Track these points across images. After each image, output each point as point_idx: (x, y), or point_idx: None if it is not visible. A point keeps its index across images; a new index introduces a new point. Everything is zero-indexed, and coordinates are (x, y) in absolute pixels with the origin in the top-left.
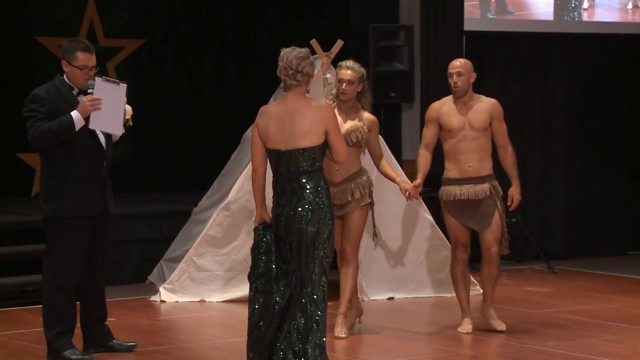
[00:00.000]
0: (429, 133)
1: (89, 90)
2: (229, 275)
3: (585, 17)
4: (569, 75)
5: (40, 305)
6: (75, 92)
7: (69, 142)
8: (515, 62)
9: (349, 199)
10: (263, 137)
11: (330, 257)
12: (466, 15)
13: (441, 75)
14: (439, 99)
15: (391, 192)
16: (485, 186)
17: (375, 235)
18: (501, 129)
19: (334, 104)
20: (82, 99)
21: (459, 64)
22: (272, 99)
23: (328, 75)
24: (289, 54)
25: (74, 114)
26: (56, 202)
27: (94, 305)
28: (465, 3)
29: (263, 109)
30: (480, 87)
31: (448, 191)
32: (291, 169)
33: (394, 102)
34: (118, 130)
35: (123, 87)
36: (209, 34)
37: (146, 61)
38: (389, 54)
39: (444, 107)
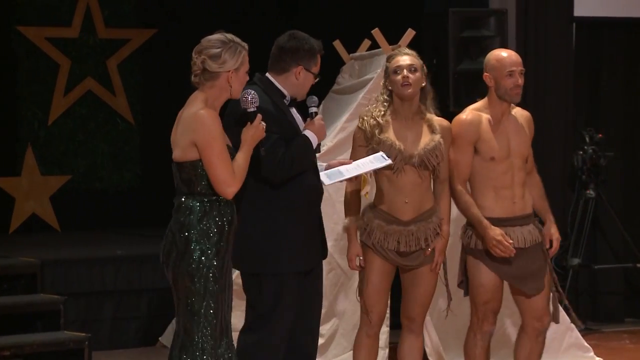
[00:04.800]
0: (465, 160)
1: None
2: None
3: None
4: None
5: None
6: (287, 101)
7: None
8: None
9: (423, 246)
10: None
11: None
12: None
13: (545, 75)
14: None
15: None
16: (531, 228)
17: (450, 297)
18: (531, 150)
19: (381, 111)
20: (318, 119)
21: (518, 60)
22: (321, 106)
23: None
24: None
25: (309, 133)
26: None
27: None
28: None
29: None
30: (596, 88)
31: None
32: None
33: None
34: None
35: None
36: (235, 20)
37: (158, 57)
38: (475, 48)
39: (482, 124)
